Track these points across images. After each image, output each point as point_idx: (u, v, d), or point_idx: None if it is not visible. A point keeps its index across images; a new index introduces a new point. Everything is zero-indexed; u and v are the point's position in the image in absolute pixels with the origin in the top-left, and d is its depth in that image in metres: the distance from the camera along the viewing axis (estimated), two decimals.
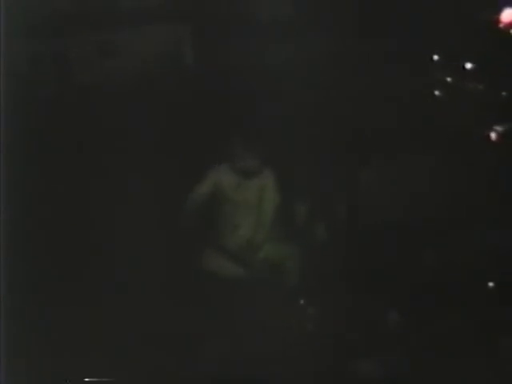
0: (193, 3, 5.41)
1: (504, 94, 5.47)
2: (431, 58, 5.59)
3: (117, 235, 5.00)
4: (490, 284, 5.07)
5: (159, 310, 4.69)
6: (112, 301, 4.72)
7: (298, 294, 5.15)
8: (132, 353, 4.46)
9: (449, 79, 5.58)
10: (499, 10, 5.44)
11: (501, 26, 5.43)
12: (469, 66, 5.56)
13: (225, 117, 5.34)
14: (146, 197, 5.26)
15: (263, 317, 4.89)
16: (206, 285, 5.03)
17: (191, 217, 5.19)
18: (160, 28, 5.43)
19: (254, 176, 5.19)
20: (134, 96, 5.27)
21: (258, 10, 5.36)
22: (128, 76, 5.33)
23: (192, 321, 4.68)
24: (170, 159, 5.40)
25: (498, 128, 5.45)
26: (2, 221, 3.27)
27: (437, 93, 5.59)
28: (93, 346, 4.27)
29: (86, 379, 3.78)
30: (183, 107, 5.49)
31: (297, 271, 5.30)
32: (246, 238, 5.27)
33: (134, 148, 5.25)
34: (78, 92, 5.05)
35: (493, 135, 5.47)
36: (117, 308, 4.67)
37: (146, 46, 5.43)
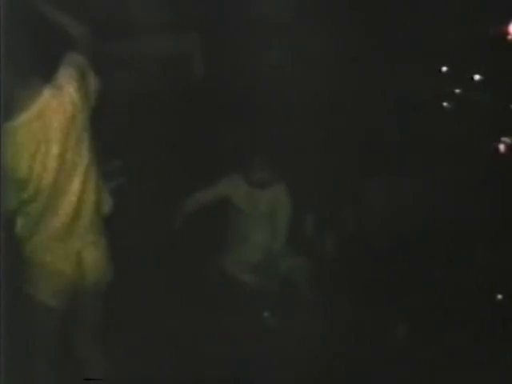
0: (201, 15, 5.44)
1: None
2: (439, 70, 5.59)
3: (126, 244, 4.99)
4: (499, 297, 5.05)
5: (172, 319, 4.67)
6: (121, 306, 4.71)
7: (309, 305, 5.15)
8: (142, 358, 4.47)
9: (457, 91, 5.58)
10: (507, 22, 5.44)
11: (509, 37, 5.44)
12: (477, 77, 5.56)
13: (238, 127, 5.34)
14: (157, 206, 5.27)
15: (277, 327, 4.90)
16: (220, 295, 5.04)
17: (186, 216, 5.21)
18: (169, 39, 5.46)
19: (266, 187, 5.19)
20: (145, 106, 5.29)
21: (268, 15, 5.37)
22: (139, 87, 5.35)
23: (206, 330, 4.67)
24: (182, 169, 5.39)
25: (507, 140, 5.44)
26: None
27: (445, 104, 5.59)
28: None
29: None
30: (195, 117, 5.50)
31: (309, 283, 5.31)
32: (259, 249, 5.27)
33: (146, 157, 5.25)
34: None
35: (501, 147, 5.47)
36: (127, 314, 4.66)
37: (156, 58, 5.45)
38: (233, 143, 5.25)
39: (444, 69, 5.60)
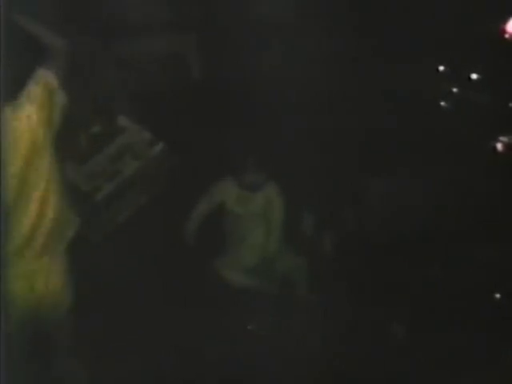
0: (200, 15, 5.45)
1: (510, 104, 5.46)
2: (437, 69, 5.59)
3: (125, 249, 4.99)
4: (497, 296, 5.06)
5: (170, 322, 4.67)
6: (120, 309, 4.71)
7: (308, 306, 5.14)
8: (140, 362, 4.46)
9: (454, 90, 5.57)
10: (505, 21, 5.44)
11: (506, 36, 5.43)
12: (474, 76, 5.56)
13: (229, 130, 5.34)
14: (152, 210, 5.25)
15: (276, 328, 4.89)
16: (218, 297, 5.03)
17: (196, 232, 5.21)
18: (167, 40, 5.45)
19: (258, 188, 5.19)
20: (140, 108, 5.29)
21: (267, 17, 5.36)
22: (134, 89, 5.34)
23: (204, 333, 4.66)
24: (176, 172, 5.38)
25: (504, 139, 5.44)
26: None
27: (442, 103, 5.59)
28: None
29: None
30: (188, 119, 5.49)
31: (307, 282, 5.31)
32: (256, 250, 5.27)
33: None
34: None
35: (499, 146, 5.47)
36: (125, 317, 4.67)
37: (152, 59, 5.44)
38: (229, 144, 5.25)
39: (441, 68, 5.59)
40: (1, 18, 3.22)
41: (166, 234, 5.18)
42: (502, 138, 5.47)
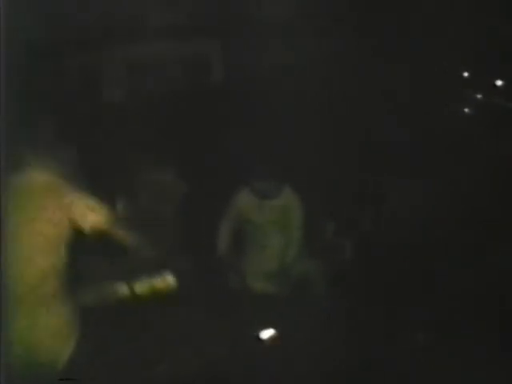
0: (218, 18, 5.56)
1: None
2: (461, 76, 5.56)
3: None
4: None
5: (193, 329, 4.77)
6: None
7: (327, 309, 5.16)
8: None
9: (479, 96, 5.52)
10: None
11: None
12: (499, 83, 5.50)
13: (246, 137, 5.41)
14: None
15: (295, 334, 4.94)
16: (240, 304, 5.12)
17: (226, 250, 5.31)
18: (186, 43, 5.58)
19: (274, 196, 5.25)
20: (158, 112, 5.42)
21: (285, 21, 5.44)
22: (153, 92, 5.46)
23: (226, 340, 4.75)
24: (192, 180, 5.50)
25: None
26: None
27: (466, 110, 5.54)
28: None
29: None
30: (201, 125, 5.62)
31: (325, 287, 5.32)
32: (277, 257, 5.33)
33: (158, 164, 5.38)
34: (104, 107, 5.21)
35: None
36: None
37: (172, 62, 5.56)
38: (241, 155, 5.32)
39: (465, 74, 5.56)
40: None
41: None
42: None
